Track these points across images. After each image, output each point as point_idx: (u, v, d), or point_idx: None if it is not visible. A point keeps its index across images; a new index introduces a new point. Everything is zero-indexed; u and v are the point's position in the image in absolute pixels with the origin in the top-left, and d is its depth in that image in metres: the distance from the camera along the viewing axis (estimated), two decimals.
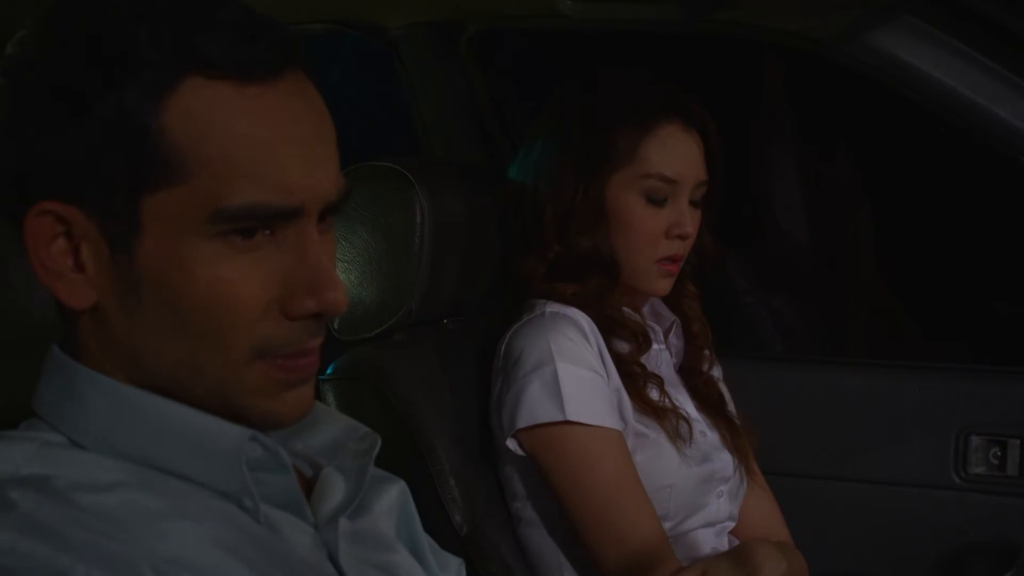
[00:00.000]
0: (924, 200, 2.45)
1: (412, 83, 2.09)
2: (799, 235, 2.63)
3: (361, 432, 0.97)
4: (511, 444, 1.51)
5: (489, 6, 1.99)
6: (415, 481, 1.11)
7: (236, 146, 0.80)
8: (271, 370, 0.83)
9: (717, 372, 1.75)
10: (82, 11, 0.81)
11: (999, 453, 1.88)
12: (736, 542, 1.63)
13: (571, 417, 1.47)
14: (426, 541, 1.08)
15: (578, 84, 1.65)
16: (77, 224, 0.81)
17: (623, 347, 1.59)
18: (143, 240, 0.80)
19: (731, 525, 1.66)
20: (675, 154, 1.57)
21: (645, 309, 1.69)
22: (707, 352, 1.72)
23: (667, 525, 1.54)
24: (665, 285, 1.61)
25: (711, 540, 1.61)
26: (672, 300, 1.69)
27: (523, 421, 1.49)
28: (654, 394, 1.58)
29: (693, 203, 1.61)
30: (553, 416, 1.47)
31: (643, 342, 1.61)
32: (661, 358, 1.67)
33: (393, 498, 1.04)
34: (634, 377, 1.57)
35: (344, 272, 1.56)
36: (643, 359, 1.60)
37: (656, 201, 1.57)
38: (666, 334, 1.69)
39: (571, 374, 1.49)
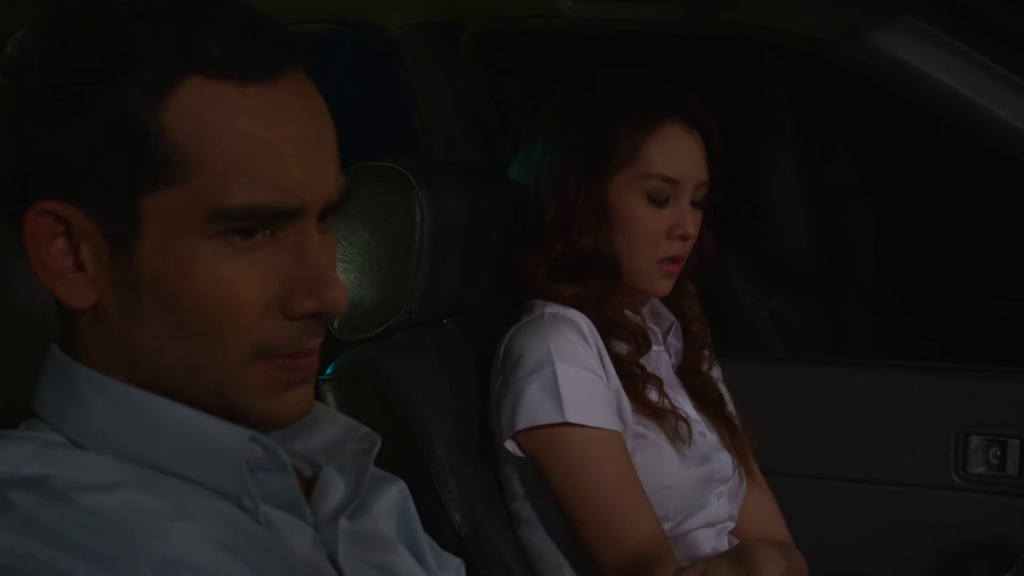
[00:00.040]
0: (924, 200, 2.45)
1: (412, 83, 2.09)
2: (799, 235, 2.63)
3: (361, 432, 0.97)
4: (510, 445, 1.51)
5: (489, 6, 1.99)
6: (415, 481, 1.11)
7: (236, 146, 0.80)
8: (271, 370, 0.83)
9: (716, 372, 1.75)
10: (82, 10, 0.81)
11: (999, 453, 1.88)
12: (736, 542, 1.63)
13: (570, 419, 1.47)
14: (426, 541, 1.08)
15: (578, 84, 1.65)
16: (77, 224, 0.81)
17: (622, 348, 1.59)
18: (143, 240, 0.80)
19: (731, 525, 1.66)
20: (677, 154, 1.57)
21: (645, 310, 1.69)
22: (706, 352, 1.72)
23: (667, 526, 1.54)
24: (666, 285, 1.61)
25: (711, 540, 1.61)
26: (672, 300, 1.69)
27: (522, 423, 1.49)
28: (653, 395, 1.58)
29: (694, 203, 1.61)
30: (552, 418, 1.47)
31: (643, 344, 1.61)
32: (660, 359, 1.67)
33: (393, 498, 1.04)
34: (633, 378, 1.57)
35: (344, 272, 1.56)
36: (642, 360, 1.60)
37: (658, 201, 1.57)
38: (665, 335, 1.69)
39: (570, 375, 1.49)
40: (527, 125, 1.80)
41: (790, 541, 1.70)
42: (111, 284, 0.82)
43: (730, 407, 1.71)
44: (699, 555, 1.57)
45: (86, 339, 0.84)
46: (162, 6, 0.80)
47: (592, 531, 1.48)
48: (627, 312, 1.63)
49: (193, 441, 0.84)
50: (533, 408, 1.48)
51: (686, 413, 1.60)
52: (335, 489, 0.93)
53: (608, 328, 1.58)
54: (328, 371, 1.57)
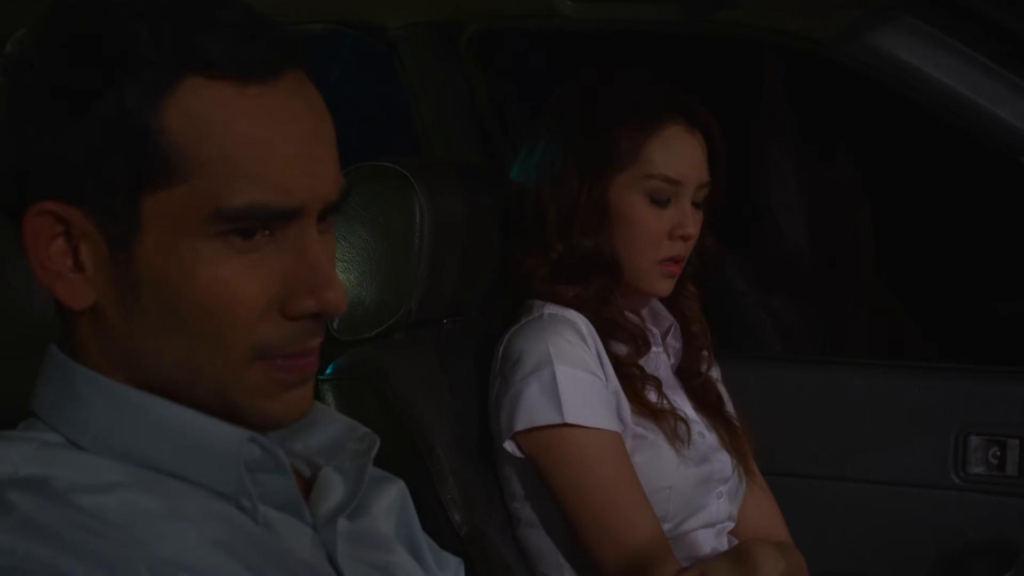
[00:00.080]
0: (924, 200, 2.45)
1: (412, 83, 2.09)
2: (799, 235, 2.63)
3: (360, 432, 0.96)
4: (509, 446, 1.50)
5: (489, 6, 1.99)
6: (414, 481, 1.11)
7: (236, 146, 0.80)
8: (270, 370, 0.83)
9: (716, 373, 1.75)
10: (82, 10, 0.81)
11: (999, 453, 1.88)
12: (736, 542, 1.63)
13: (569, 420, 1.47)
14: (425, 541, 1.08)
15: (578, 84, 1.65)
16: (76, 224, 0.81)
17: (621, 349, 1.59)
18: (143, 240, 0.80)
19: (730, 525, 1.66)
20: (679, 155, 1.57)
21: (644, 311, 1.69)
22: (706, 353, 1.72)
23: (667, 526, 1.54)
24: (667, 286, 1.61)
25: (711, 540, 1.61)
26: (672, 301, 1.69)
27: (521, 424, 1.49)
28: (652, 396, 1.58)
29: (695, 204, 1.61)
30: (551, 419, 1.47)
31: (642, 345, 1.61)
32: (659, 360, 1.67)
33: (392, 498, 1.04)
34: (632, 379, 1.57)
35: (344, 272, 1.56)
36: (641, 361, 1.60)
37: (659, 202, 1.57)
38: (664, 336, 1.69)
39: (569, 376, 1.49)
40: (527, 125, 1.81)
41: (790, 541, 1.70)
42: (110, 284, 0.81)
43: (729, 407, 1.71)
44: (699, 555, 1.57)
45: (85, 339, 0.84)
46: (162, 6, 0.80)
47: (592, 532, 1.48)
48: (627, 313, 1.62)
49: (192, 442, 0.83)
50: (532, 409, 1.48)
51: (685, 414, 1.60)
52: (334, 489, 0.93)
53: (607, 329, 1.58)
54: (328, 371, 1.57)
